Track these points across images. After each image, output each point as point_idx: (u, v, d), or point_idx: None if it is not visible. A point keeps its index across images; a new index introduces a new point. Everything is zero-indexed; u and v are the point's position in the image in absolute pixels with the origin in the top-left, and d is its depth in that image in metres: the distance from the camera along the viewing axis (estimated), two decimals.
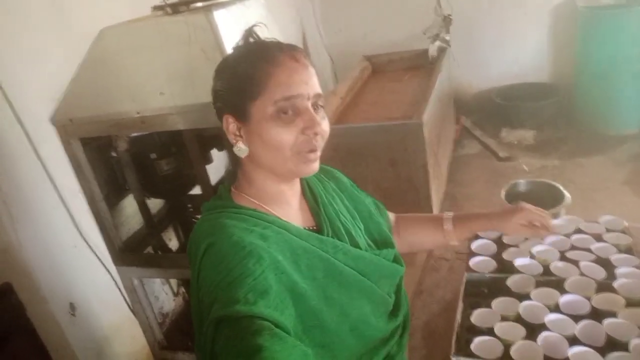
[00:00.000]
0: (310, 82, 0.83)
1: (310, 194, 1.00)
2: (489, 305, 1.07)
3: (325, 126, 0.85)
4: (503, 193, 1.58)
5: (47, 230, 1.74)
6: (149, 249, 1.68)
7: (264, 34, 0.90)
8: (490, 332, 1.01)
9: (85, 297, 1.87)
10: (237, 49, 0.88)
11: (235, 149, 0.85)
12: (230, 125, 0.85)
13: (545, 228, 1.10)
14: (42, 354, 1.38)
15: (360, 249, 0.97)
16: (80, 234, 1.81)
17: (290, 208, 0.95)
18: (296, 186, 0.96)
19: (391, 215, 1.21)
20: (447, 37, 3.71)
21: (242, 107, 0.83)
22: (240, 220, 0.85)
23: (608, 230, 1.26)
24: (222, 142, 1.35)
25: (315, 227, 0.96)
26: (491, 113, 4.06)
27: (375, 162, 2.63)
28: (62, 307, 1.78)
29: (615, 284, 1.06)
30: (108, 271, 1.82)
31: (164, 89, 1.32)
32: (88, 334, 1.88)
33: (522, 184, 1.64)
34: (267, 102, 0.81)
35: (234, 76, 0.83)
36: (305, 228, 0.94)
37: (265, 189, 0.91)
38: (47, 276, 1.71)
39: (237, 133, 0.85)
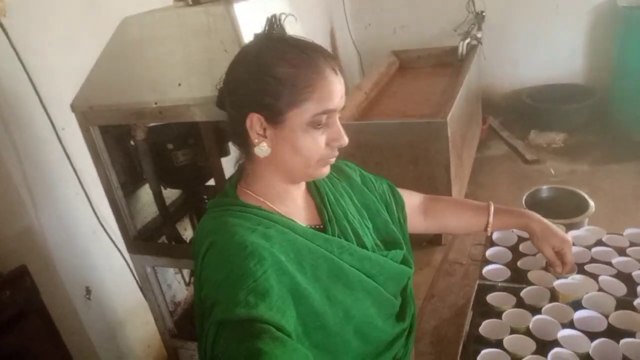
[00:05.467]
0: (343, 96, 0.84)
1: (316, 192, 0.98)
2: (499, 316, 1.04)
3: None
4: (524, 199, 1.53)
5: (67, 215, 1.78)
6: (163, 239, 1.69)
7: (290, 26, 0.88)
8: (499, 344, 0.98)
9: (101, 282, 1.91)
10: (265, 42, 0.84)
11: (256, 149, 0.83)
12: (256, 124, 0.82)
13: (561, 265, 1.09)
14: (54, 336, 1.41)
15: (367, 249, 0.95)
16: (99, 220, 1.85)
17: (296, 206, 0.94)
18: (302, 184, 0.95)
19: (416, 197, 1.22)
20: (479, 35, 3.63)
21: (277, 111, 0.80)
22: (244, 219, 0.84)
23: (632, 244, 1.20)
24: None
25: (320, 226, 0.95)
26: (520, 114, 3.96)
27: (396, 160, 2.59)
28: (78, 290, 1.82)
29: (636, 302, 1.01)
30: (124, 258, 1.85)
31: (182, 80, 1.31)
32: (102, 317, 1.92)
33: (545, 190, 1.58)
34: (306, 113, 0.80)
35: (271, 78, 0.79)
36: (310, 226, 0.92)
37: (274, 186, 0.90)
38: (65, 260, 1.75)
39: (262, 133, 0.82)
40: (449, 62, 3.56)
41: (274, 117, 0.81)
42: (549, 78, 3.97)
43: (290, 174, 0.88)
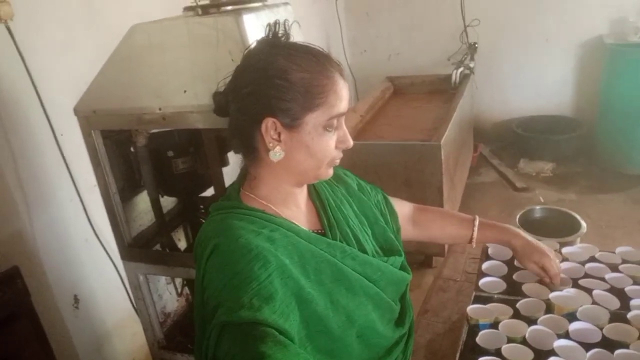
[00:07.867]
0: (348, 99, 0.88)
1: (316, 197, 0.99)
2: (495, 327, 1.05)
3: None
4: (517, 218, 1.56)
5: (60, 221, 1.77)
6: (158, 247, 1.68)
7: (293, 33, 0.91)
8: (496, 353, 0.98)
9: (90, 291, 1.88)
10: (274, 48, 0.85)
11: (271, 154, 0.84)
12: (271, 129, 0.83)
13: (550, 279, 1.12)
14: (43, 341, 1.38)
15: (368, 254, 0.96)
16: (92, 228, 1.83)
17: (298, 210, 0.95)
18: (305, 189, 0.97)
19: (406, 206, 1.23)
20: (472, 64, 3.73)
21: (294, 116, 0.82)
22: (248, 222, 0.85)
23: (624, 261, 1.22)
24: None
25: (321, 231, 0.95)
26: (510, 143, 4.04)
27: (390, 181, 2.61)
28: (66, 298, 1.79)
29: (629, 315, 1.03)
30: (115, 267, 1.83)
31: (188, 87, 1.33)
32: (89, 327, 1.88)
33: (538, 210, 1.61)
34: (321, 117, 0.83)
35: (287, 83, 0.80)
36: (312, 231, 0.93)
37: (278, 190, 0.91)
38: (55, 266, 1.73)
39: (276, 137, 0.84)
40: (442, 90, 3.64)
41: (290, 121, 0.82)
42: (538, 109, 4.07)
43: (300, 176, 0.89)
